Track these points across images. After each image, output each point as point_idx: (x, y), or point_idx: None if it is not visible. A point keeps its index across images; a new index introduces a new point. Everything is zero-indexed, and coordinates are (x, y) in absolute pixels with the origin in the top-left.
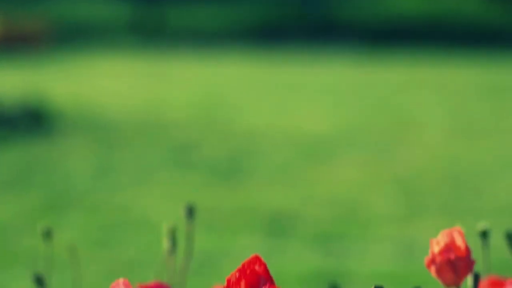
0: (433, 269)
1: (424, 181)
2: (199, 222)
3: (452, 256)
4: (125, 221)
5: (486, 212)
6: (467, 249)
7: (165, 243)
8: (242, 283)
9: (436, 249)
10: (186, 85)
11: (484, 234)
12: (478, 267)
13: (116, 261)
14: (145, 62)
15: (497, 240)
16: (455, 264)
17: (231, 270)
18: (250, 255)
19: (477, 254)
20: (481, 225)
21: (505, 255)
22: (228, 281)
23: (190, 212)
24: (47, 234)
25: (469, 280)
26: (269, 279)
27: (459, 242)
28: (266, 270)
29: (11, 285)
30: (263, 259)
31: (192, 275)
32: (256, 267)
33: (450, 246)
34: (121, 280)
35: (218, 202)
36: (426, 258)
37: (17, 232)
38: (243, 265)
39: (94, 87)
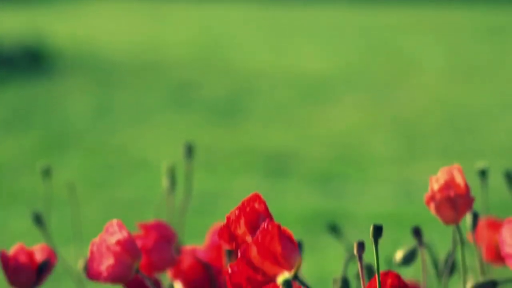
0: (432, 206)
1: (423, 123)
2: (198, 162)
3: (451, 193)
4: (124, 161)
5: (486, 153)
6: (467, 187)
7: (164, 182)
8: (242, 221)
9: (435, 186)
10: (185, 24)
11: (483, 173)
12: (477, 208)
13: (115, 200)
14: (143, 2)
15: (497, 181)
16: (455, 201)
17: (230, 209)
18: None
19: (476, 195)
20: (480, 164)
21: (504, 196)
22: (228, 218)
23: (189, 150)
24: (46, 172)
25: (468, 219)
26: (269, 217)
27: (459, 179)
28: (266, 208)
29: (10, 224)
30: (262, 197)
31: (191, 214)
32: (256, 205)
33: (449, 184)
34: (114, 221)
35: (217, 142)
36: (426, 195)
37: (16, 171)
38: (243, 203)
39: (93, 27)
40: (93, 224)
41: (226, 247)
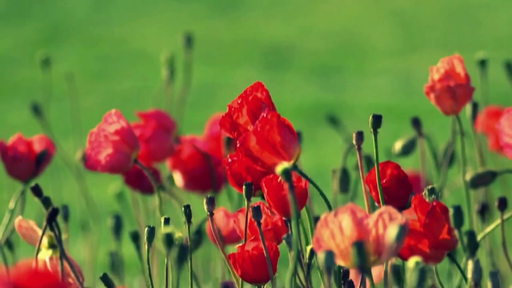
0: (432, 96)
1: (422, 14)
2: (197, 55)
3: (451, 83)
4: (123, 53)
5: (485, 44)
6: (467, 76)
7: (164, 72)
8: (244, 110)
9: (436, 76)
10: None
11: (483, 63)
12: (476, 99)
13: (114, 91)
14: None
15: (496, 73)
16: (455, 91)
17: (229, 101)
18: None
19: (475, 87)
20: (480, 54)
21: (504, 88)
22: (230, 107)
23: (189, 41)
24: (45, 63)
25: (468, 109)
26: (271, 106)
27: (459, 69)
28: (268, 97)
29: (9, 115)
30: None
31: (190, 106)
32: (258, 94)
33: (449, 73)
34: (113, 111)
35: (216, 34)
36: (426, 86)
37: (15, 64)
38: (245, 92)
39: None
40: (92, 115)
41: (227, 136)
